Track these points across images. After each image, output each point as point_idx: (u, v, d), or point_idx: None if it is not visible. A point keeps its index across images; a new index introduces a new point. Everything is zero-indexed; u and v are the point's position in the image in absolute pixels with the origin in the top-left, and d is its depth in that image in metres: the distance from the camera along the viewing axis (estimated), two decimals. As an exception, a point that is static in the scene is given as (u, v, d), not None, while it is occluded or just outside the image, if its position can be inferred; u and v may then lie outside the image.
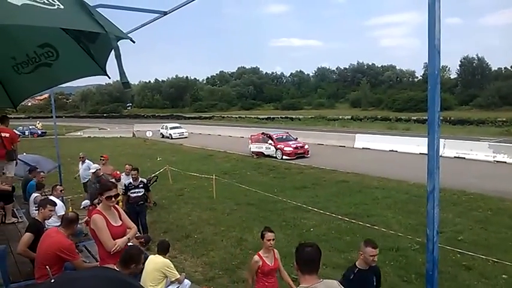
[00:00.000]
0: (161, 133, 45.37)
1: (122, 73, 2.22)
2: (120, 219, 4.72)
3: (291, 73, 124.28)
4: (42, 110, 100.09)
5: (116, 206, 4.93)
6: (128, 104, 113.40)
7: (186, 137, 42.60)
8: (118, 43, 2.24)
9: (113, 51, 2.23)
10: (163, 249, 6.47)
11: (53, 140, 16.66)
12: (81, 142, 40.19)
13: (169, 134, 43.53)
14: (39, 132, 52.15)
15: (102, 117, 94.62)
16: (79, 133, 52.76)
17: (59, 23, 2.27)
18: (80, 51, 3.05)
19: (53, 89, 12.69)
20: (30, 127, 54.23)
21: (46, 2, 2.03)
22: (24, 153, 14.75)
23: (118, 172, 11.88)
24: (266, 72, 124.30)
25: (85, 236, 8.73)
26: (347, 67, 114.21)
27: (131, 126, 54.14)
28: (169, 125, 46.79)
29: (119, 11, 4.49)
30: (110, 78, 3.21)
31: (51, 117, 14.80)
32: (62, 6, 2.08)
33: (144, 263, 3.83)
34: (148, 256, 6.52)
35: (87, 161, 13.77)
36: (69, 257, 4.82)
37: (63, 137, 44.17)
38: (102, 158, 12.92)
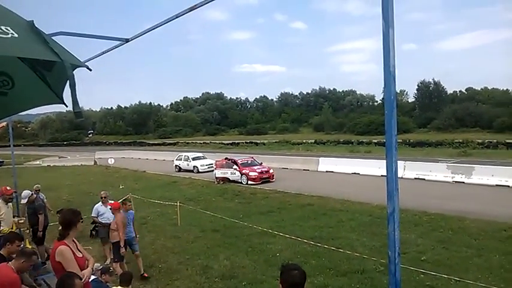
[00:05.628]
0: (177, 165, 34.73)
1: (74, 102, 2.19)
2: (78, 249, 4.63)
3: (255, 98, 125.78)
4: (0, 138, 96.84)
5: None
6: (89, 132, 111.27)
7: (213, 170, 28.70)
8: (74, 72, 2.22)
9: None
10: (125, 281, 6.31)
11: (10, 169, 16.07)
12: (40, 171, 38.94)
13: (194, 167, 32.95)
14: (-4, 161, 50.37)
15: (62, 145, 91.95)
16: (38, 162, 51.17)
17: (14, 52, 2.22)
18: (36, 80, 2.99)
19: (11, 117, 12.28)
20: (-14, 157, 52.34)
21: (-1, 31, 1.99)
22: (-21, 184, 14.19)
23: (9, 188, 9.88)
24: (230, 98, 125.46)
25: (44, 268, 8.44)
26: (309, 92, 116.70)
27: (93, 154, 52.87)
28: (191, 154, 35.91)
29: (81, 38, 4.45)
30: (67, 106, 3.14)
31: (9, 146, 14.29)
32: (16, 35, 2.04)
33: None
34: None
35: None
36: None
37: (22, 166, 42.80)
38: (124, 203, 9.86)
